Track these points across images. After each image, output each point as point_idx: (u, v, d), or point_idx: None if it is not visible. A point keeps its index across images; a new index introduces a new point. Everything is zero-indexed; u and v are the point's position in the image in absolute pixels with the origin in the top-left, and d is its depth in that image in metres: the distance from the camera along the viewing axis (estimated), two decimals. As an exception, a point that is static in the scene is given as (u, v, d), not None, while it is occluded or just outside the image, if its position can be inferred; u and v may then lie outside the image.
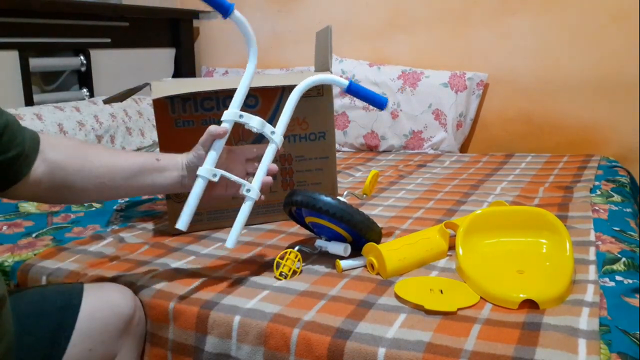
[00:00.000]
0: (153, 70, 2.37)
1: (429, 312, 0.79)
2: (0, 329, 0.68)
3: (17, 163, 0.74)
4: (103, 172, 0.80)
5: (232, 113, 0.91)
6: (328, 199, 0.95)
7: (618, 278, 0.89)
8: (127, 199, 1.48)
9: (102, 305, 0.83)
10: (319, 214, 0.97)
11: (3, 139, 0.71)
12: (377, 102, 0.98)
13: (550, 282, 0.84)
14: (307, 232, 1.15)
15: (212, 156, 0.88)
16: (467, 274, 0.90)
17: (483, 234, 0.99)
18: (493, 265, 0.92)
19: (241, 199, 0.90)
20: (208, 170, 0.87)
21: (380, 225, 1.02)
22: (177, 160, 0.88)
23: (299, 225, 1.16)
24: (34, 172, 0.76)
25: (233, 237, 0.88)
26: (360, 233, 0.97)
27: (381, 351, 0.72)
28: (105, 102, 1.26)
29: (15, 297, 0.78)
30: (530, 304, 0.80)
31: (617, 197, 1.33)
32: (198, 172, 0.87)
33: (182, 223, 0.87)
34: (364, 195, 1.09)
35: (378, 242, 0.99)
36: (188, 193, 0.88)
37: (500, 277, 0.88)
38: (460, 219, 1.05)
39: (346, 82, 0.96)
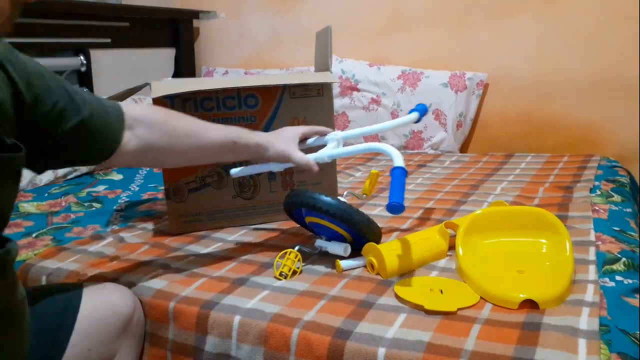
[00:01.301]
0: (153, 70, 2.37)
1: (429, 312, 0.79)
2: (23, 329, 0.70)
3: (106, 143, 0.80)
4: (187, 149, 0.91)
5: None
6: (328, 199, 0.95)
7: (618, 278, 0.89)
8: (127, 199, 1.48)
9: (101, 306, 0.83)
10: (319, 214, 0.97)
11: (90, 124, 0.77)
12: (390, 200, 0.85)
13: (550, 282, 0.84)
14: (307, 232, 1.15)
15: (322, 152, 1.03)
16: (467, 273, 0.90)
17: (483, 234, 0.99)
18: (493, 265, 0.92)
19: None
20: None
21: (380, 225, 1.02)
22: (250, 143, 0.98)
23: (299, 225, 1.16)
24: (124, 146, 0.82)
25: (243, 171, 1.09)
26: (360, 233, 0.97)
27: (381, 351, 0.72)
28: (106, 101, 1.26)
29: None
30: (530, 304, 0.80)
31: (617, 197, 1.33)
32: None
33: (236, 172, 1.09)
34: (364, 195, 1.09)
35: (378, 242, 0.99)
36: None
37: (500, 277, 0.88)
38: (460, 219, 1.05)
39: (400, 164, 0.92)
